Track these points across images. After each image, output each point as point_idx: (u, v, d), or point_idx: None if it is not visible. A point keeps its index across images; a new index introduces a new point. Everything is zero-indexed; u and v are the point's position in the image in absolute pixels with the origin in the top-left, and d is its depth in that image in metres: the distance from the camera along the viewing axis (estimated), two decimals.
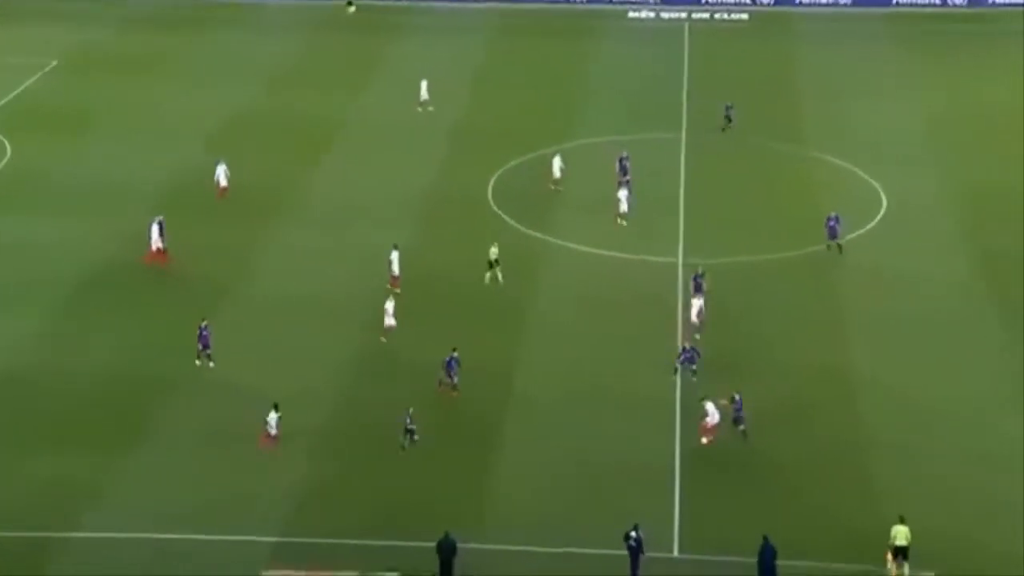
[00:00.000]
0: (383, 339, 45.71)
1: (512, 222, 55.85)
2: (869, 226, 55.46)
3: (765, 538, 34.47)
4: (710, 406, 40.07)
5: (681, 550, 36.30)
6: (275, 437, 40.13)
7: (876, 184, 59.23)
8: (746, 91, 70.09)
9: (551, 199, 58.17)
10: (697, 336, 45.40)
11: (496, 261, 49.95)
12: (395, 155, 62.72)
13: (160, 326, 47.23)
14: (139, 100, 69.77)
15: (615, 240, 53.92)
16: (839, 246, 52.15)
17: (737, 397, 40.52)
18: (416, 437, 40.08)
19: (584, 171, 59.91)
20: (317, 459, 40.15)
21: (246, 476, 39.24)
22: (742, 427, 40.33)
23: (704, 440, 40.10)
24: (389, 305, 45.96)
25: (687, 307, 46.94)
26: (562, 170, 58.52)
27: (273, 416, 40.14)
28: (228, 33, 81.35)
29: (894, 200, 57.54)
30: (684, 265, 51.78)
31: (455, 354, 42.60)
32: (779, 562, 34.26)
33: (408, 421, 40.10)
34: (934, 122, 66.46)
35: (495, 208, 57.51)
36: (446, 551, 34.73)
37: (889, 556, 34.71)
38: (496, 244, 50.54)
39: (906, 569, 34.61)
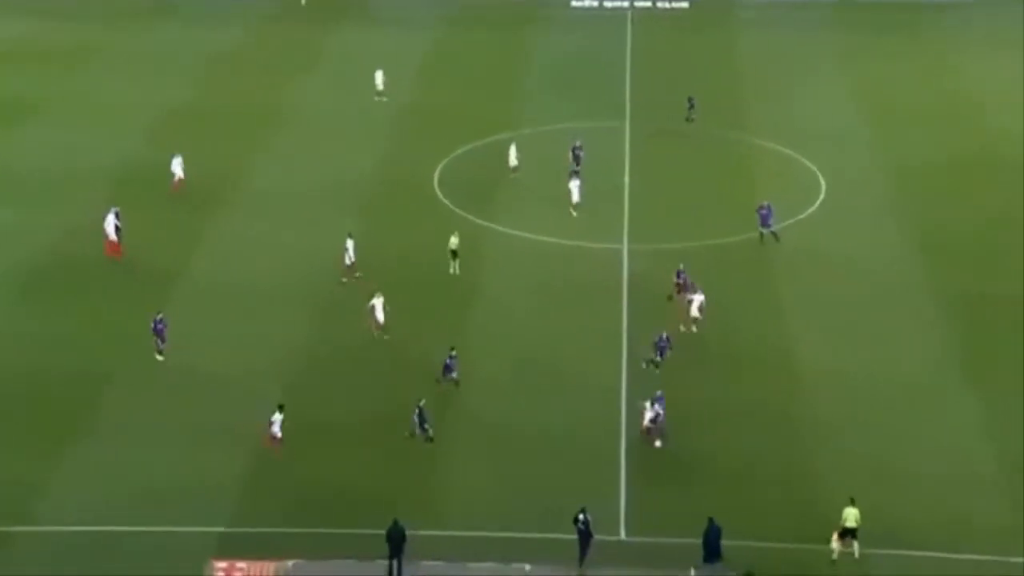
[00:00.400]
0: (385, 336, 45.24)
1: (457, 209, 56.05)
2: (809, 211, 56.28)
3: (710, 519, 34.99)
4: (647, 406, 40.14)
5: (628, 533, 36.78)
6: (280, 439, 39.51)
7: (816, 169, 60.07)
8: (689, 79, 70.70)
9: (496, 187, 58.46)
10: (694, 328, 45.44)
11: (455, 251, 49.99)
12: (342, 144, 62.65)
13: (109, 318, 47.03)
14: (81, 90, 69.18)
15: (559, 227, 54.29)
16: (773, 234, 52.71)
17: (659, 394, 40.29)
18: (429, 429, 40.00)
19: (527, 159, 60.10)
20: (264, 448, 40.14)
21: (193, 467, 39.19)
22: (658, 429, 39.97)
23: (657, 444, 39.89)
24: (377, 301, 45.45)
25: (671, 298, 46.89)
26: (518, 158, 58.84)
27: (277, 417, 39.59)
28: (178, 24, 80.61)
29: (833, 185, 58.40)
30: (629, 251, 52.35)
31: (453, 353, 42.61)
32: (727, 542, 34.77)
33: (418, 413, 40.00)
34: (872, 107, 67.38)
35: (440, 196, 57.72)
36: (395, 538, 34.92)
37: (835, 536, 35.35)
38: (457, 234, 50.65)
39: (855, 548, 35.28)
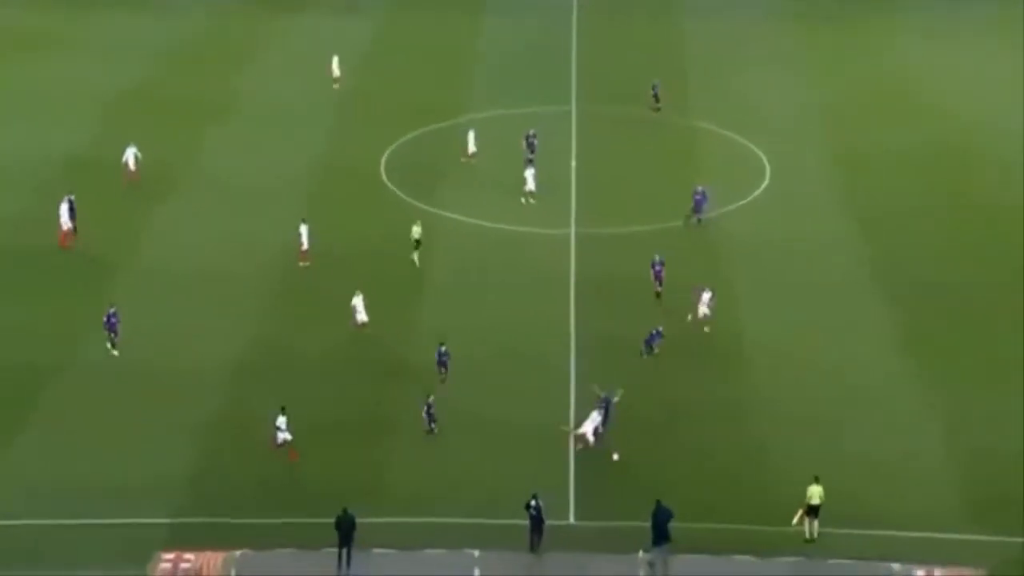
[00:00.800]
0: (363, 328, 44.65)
1: (403, 196, 55.83)
2: (754, 195, 56.65)
3: (658, 502, 35.14)
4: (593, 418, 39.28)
5: (577, 517, 36.89)
6: (284, 443, 38.45)
7: (761, 154, 60.47)
8: (634, 63, 70.88)
9: (443, 173, 58.33)
10: (706, 329, 45.04)
11: (418, 241, 49.63)
12: (292, 131, 62.18)
13: (60, 309, 46.45)
14: (30, 78, 68.07)
15: (506, 213, 54.25)
16: (698, 220, 52.81)
17: (603, 396, 39.49)
18: (435, 425, 39.65)
19: (478, 145, 60.12)
20: (213, 440, 39.87)
21: (140, 459, 38.79)
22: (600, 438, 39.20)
23: (615, 456, 38.91)
24: (358, 300, 44.73)
25: (659, 296, 46.71)
26: (476, 144, 58.65)
27: (281, 420, 38.52)
28: (128, 12, 79.28)
29: (778, 170, 58.81)
30: (577, 236, 52.43)
31: (443, 348, 42.21)
32: (678, 525, 34.89)
33: (428, 408, 39.67)
34: (819, 94, 67.79)
35: (386, 182, 57.51)
36: (344, 527, 34.79)
37: (800, 513, 35.62)
38: (418, 223, 50.38)
39: (815, 526, 35.64)
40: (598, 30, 77.58)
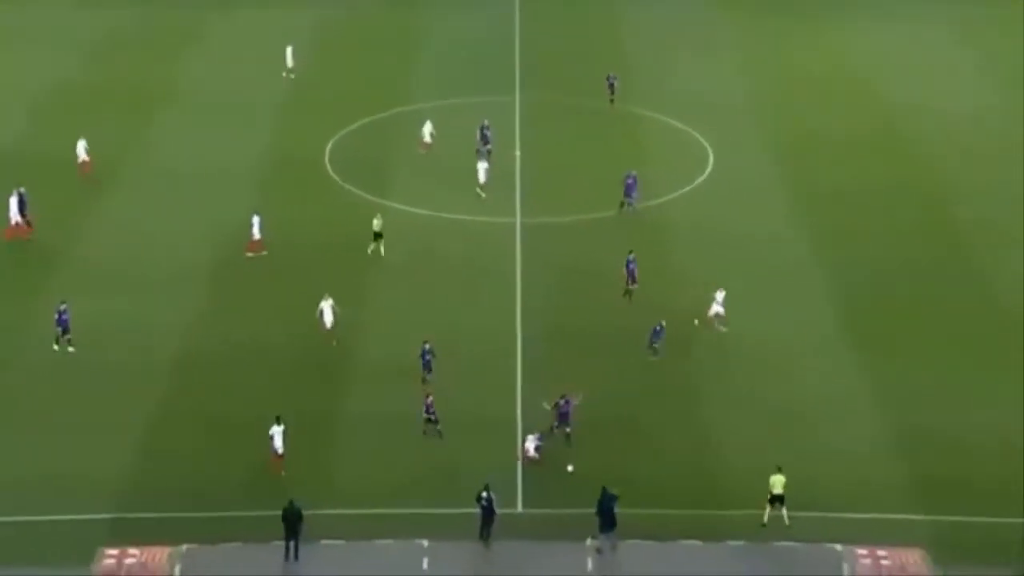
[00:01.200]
0: (334, 342, 43.35)
1: (346, 185, 55.59)
2: (698, 181, 57.00)
3: (603, 488, 35.24)
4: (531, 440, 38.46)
5: (525, 505, 36.94)
6: (282, 456, 37.26)
7: (704, 142, 60.83)
8: (577, 52, 70.98)
9: (386, 162, 58.15)
10: (724, 329, 44.53)
11: (379, 233, 49.28)
12: (236, 122, 61.67)
13: (5, 304, 45.90)
14: None
15: (450, 202, 54.16)
16: (631, 205, 52.84)
17: (563, 402, 38.94)
18: (438, 425, 38.91)
19: (415, 135, 59.89)
20: (156, 434, 39.54)
21: (82, 454, 38.39)
22: (567, 428, 38.78)
23: (570, 468, 38.05)
24: (326, 304, 43.54)
25: (627, 293, 46.24)
26: (432, 135, 58.44)
27: (277, 429, 37.16)
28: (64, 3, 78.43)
29: (721, 157, 59.19)
30: (521, 226, 52.47)
31: (427, 346, 41.37)
32: (637, 511, 34.96)
33: (427, 408, 38.95)
34: (762, 81, 68.30)
35: (330, 172, 57.23)
36: (291, 519, 34.62)
37: (768, 510, 35.95)
38: (379, 215, 50.07)
39: (784, 512, 36.01)
40: (541, 20, 77.49)
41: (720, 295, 45.07)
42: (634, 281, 46.40)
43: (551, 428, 39.15)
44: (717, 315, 45.02)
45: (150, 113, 62.39)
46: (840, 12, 78.74)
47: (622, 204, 53.00)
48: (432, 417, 39.18)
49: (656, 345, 43.27)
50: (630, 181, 53.06)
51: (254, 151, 58.74)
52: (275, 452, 37.38)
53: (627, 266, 46.74)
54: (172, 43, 71.98)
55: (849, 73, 69.20)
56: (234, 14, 76.97)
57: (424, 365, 41.34)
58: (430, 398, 39.39)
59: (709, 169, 58.24)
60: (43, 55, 69.22)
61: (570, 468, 37.72)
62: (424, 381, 41.01)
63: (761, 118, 63.66)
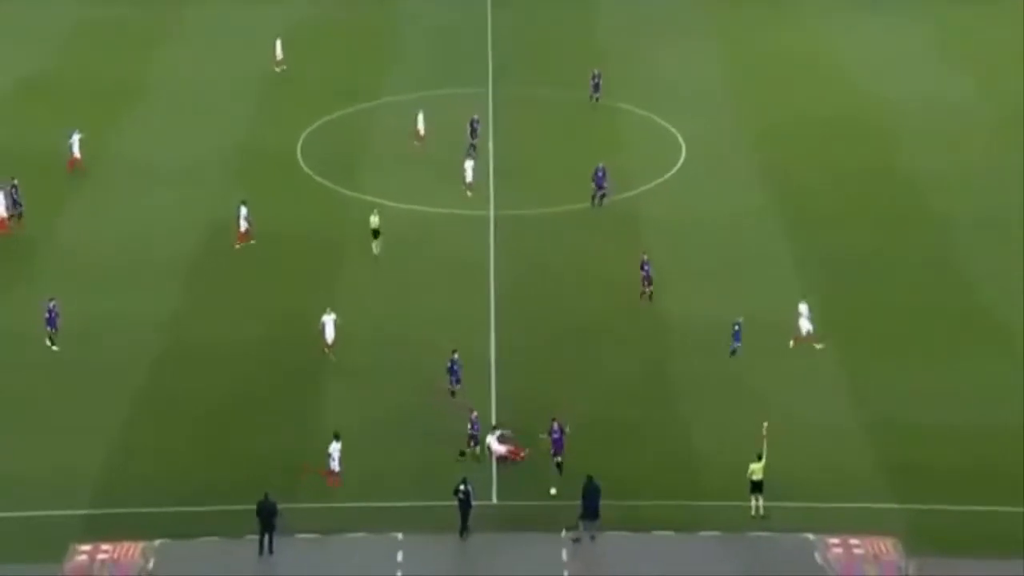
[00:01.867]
0: (333, 357, 42.63)
1: (318, 178, 55.50)
2: (670, 172, 57.06)
3: (589, 477, 35.19)
4: (493, 441, 38.01)
5: (500, 497, 36.94)
6: (338, 473, 36.60)
7: (676, 131, 60.87)
8: (550, 43, 70.86)
9: (358, 155, 58.05)
10: (819, 346, 43.30)
11: (377, 231, 48.93)
12: (204, 115, 61.49)
13: None
14: None
15: (422, 194, 54.04)
16: (602, 196, 52.66)
17: (554, 427, 37.53)
18: (477, 448, 38.02)
19: (392, 128, 59.67)
20: (129, 430, 39.34)
21: (54, 449, 38.17)
22: (559, 459, 37.43)
23: (552, 491, 37.29)
24: (328, 318, 42.61)
25: (643, 295, 45.81)
26: (425, 128, 58.20)
27: (336, 447, 36.52)
28: None
29: (693, 148, 59.24)
30: (496, 218, 52.43)
31: (455, 356, 40.63)
32: (612, 502, 35.02)
33: (472, 425, 37.94)
34: (734, 72, 68.34)
35: (303, 165, 57.06)
36: (265, 513, 34.52)
37: (750, 495, 36.03)
38: (377, 212, 49.81)
39: (761, 501, 36.12)
40: (515, 10, 77.33)
41: (804, 308, 43.38)
42: (650, 283, 45.78)
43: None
44: (808, 333, 43.20)
45: (125, 107, 61.94)
46: (816, 2, 78.81)
47: (593, 197, 53.01)
48: (476, 434, 37.96)
49: (737, 344, 42.23)
50: (600, 173, 53.08)
51: (227, 144, 58.43)
52: (331, 471, 36.70)
53: (642, 267, 45.95)
54: (147, 37, 71.45)
55: (824, 61, 69.34)
56: (208, 10, 76.35)
57: (452, 377, 40.47)
58: (474, 413, 38.14)
59: (682, 159, 58.28)
60: (16, 49, 68.61)
61: (553, 491, 36.86)
62: (452, 394, 40.24)
63: (732, 106, 63.69)
